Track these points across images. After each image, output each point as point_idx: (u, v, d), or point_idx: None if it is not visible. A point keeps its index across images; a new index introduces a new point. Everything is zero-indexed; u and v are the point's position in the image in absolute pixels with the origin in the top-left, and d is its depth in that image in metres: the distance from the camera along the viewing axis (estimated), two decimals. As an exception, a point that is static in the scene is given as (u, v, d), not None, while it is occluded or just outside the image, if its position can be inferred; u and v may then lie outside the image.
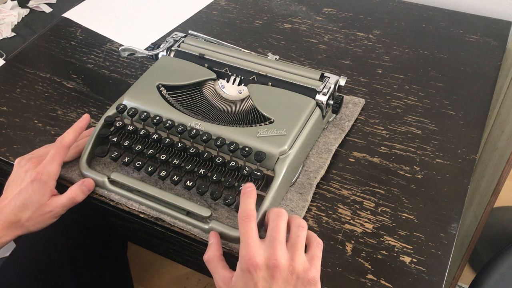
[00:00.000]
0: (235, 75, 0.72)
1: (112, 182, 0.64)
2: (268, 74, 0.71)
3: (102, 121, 0.67)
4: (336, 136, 0.71)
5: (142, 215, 0.63)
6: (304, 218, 0.62)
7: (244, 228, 0.50)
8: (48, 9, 1.05)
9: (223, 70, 0.73)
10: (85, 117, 0.67)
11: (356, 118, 0.74)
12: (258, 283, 0.47)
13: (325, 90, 0.67)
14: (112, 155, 0.65)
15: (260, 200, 0.57)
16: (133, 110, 0.66)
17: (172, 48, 0.76)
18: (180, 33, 0.79)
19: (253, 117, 0.67)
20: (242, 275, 0.48)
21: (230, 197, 0.58)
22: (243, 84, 0.71)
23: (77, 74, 0.86)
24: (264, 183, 0.61)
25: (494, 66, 0.82)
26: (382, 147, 0.70)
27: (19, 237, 0.62)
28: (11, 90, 0.84)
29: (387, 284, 0.55)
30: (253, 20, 0.96)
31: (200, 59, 0.74)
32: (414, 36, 0.90)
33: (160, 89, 0.69)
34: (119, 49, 0.77)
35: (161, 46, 0.76)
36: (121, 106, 0.67)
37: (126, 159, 0.64)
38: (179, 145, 0.63)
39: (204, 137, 0.62)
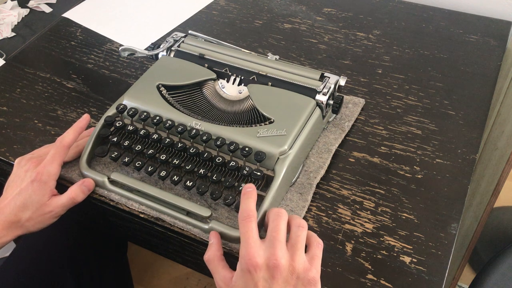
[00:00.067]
0: (235, 75, 0.72)
1: (112, 182, 0.64)
2: (268, 74, 0.71)
3: (102, 121, 0.67)
4: (336, 136, 0.71)
5: (142, 215, 0.63)
6: (304, 218, 0.62)
7: (245, 228, 0.50)
8: (48, 9, 1.05)
9: (223, 70, 0.73)
10: (85, 117, 0.67)
11: (356, 118, 0.74)
12: (258, 283, 0.47)
13: (325, 90, 0.67)
14: (112, 155, 0.65)
15: (260, 200, 0.57)
16: (133, 110, 0.66)
17: (172, 48, 0.76)
18: (180, 33, 0.79)
19: (253, 117, 0.67)
20: (242, 275, 0.48)
21: (230, 197, 0.58)
22: (243, 84, 0.71)
23: (77, 74, 0.86)
24: (264, 183, 0.61)
25: (494, 66, 0.82)
26: (382, 147, 0.70)
27: (19, 237, 0.62)
28: (11, 90, 0.84)
29: (387, 284, 0.55)
30: (253, 20, 0.96)
31: (200, 59, 0.74)
32: (414, 36, 0.90)
33: (160, 89, 0.69)
34: (119, 49, 0.77)
35: (161, 46, 0.76)
36: (121, 106, 0.67)
37: (126, 159, 0.64)
38: (179, 145, 0.63)
39: (204, 137, 0.62)
